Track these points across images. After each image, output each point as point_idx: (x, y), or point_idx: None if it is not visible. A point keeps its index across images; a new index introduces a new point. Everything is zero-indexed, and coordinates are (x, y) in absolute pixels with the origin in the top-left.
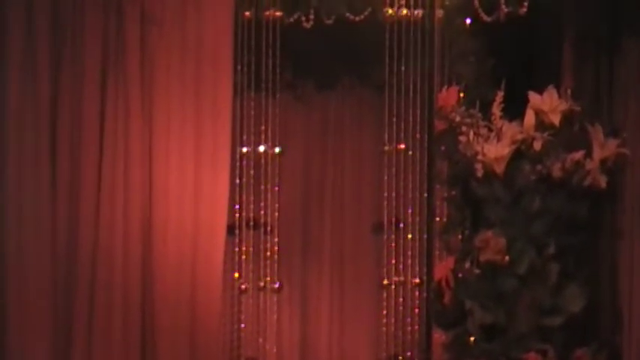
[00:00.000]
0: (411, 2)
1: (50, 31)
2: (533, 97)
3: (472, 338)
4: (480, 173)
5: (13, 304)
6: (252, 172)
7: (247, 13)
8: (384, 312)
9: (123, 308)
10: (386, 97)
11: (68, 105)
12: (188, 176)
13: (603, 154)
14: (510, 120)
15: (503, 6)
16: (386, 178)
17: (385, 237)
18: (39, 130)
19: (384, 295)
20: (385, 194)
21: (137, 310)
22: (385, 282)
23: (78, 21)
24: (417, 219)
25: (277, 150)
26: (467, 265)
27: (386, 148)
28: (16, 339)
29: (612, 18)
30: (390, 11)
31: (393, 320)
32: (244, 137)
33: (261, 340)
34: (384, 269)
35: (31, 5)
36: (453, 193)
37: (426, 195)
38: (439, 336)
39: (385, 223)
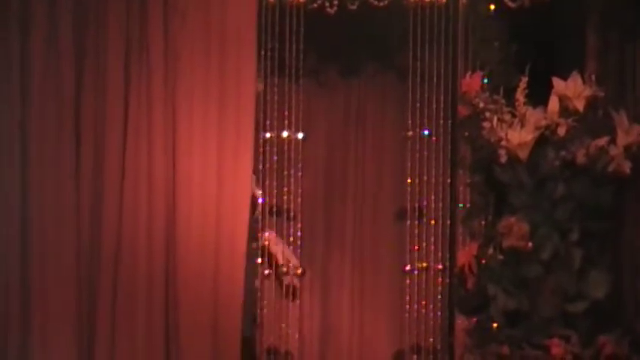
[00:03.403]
0: None
1: (73, 19)
2: (557, 82)
3: (495, 324)
4: (503, 159)
5: (37, 287)
6: (275, 157)
7: None
8: (407, 298)
9: (146, 296)
10: (409, 82)
11: (92, 93)
12: (211, 162)
13: (627, 140)
14: (534, 106)
15: None
16: (409, 163)
17: (408, 223)
18: (63, 118)
19: (407, 281)
20: (408, 180)
21: (160, 298)
22: (408, 268)
23: (101, 9)
24: (440, 205)
25: (300, 136)
26: (490, 250)
27: (409, 133)
28: (40, 322)
29: (637, 3)
30: None
31: (415, 306)
32: (267, 123)
33: (283, 325)
34: (407, 255)
35: None
36: (477, 178)
37: (449, 181)
38: (462, 322)
39: (408, 208)
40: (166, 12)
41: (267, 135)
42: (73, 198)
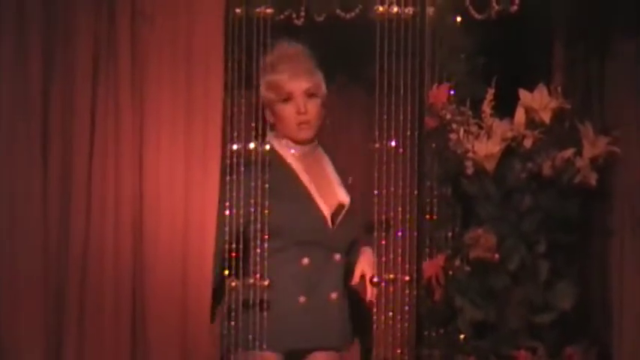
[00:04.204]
0: (402, 0)
1: (41, 27)
2: (524, 94)
3: (462, 335)
4: (470, 171)
5: (4, 300)
6: (242, 169)
7: (238, 10)
8: (375, 310)
9: (114, 310)
10: (376, 95)
11: (59, 102)
12: (178, 173)
13: (593, 152)
14: (501, 118)
15: (494, 4)
16: (376, 175)
17: (375, 234)
18: (30, 128)
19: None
20: (375, 192)
21: (128, 310)
22: (376, 280)
23: (69, 17)
24: (408, 216)
25: (267, 147)
26: (457, 262)
27: (376, 145)
28: (7, 333)
29: (604, 16)
30: (381, 9)
31: (383, 318)
32: (235, 134)
33: (251, 337)
34: (375, 267)
35: (22, 2)
36: (444, 190)
37: (416, 192)
38: (429, 333)
39: (375, 220)
40: (134, 20)
41: (235, 147)
42: (40, 210)
